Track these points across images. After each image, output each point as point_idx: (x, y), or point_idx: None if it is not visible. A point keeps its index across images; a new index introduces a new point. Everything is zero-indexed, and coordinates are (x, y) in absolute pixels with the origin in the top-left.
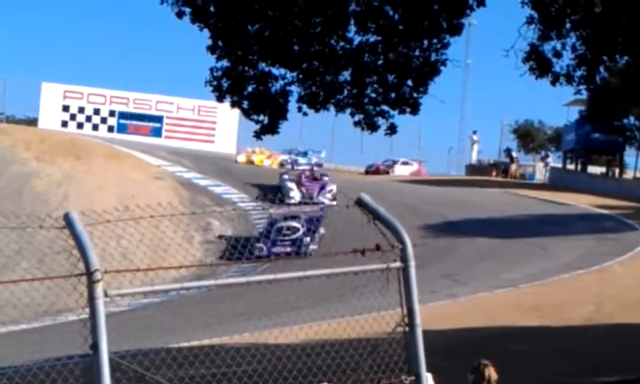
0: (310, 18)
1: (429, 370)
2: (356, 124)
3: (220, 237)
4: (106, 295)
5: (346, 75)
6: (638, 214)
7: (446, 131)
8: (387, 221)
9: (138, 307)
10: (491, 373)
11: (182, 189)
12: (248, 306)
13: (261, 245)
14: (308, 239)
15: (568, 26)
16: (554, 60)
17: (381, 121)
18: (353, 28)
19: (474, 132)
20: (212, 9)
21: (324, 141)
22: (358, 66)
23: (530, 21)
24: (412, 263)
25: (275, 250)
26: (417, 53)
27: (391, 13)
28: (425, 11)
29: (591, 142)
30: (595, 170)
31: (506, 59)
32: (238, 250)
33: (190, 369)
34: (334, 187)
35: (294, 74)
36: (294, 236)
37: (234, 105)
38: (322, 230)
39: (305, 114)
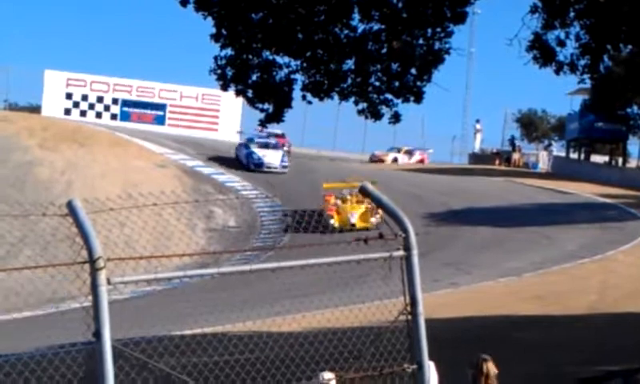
0: (314, 5)
1: (431, 358)
2: (360, 112)
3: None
4: (109, 283)
5: (349, 64)
6: None
7: (449, 120)
8: (390, 209)
9: (141, 295)
10: (490, 367)
11: (186, 177)
12: (250, 294)
13: None
14: None
15: (572, 15)
16: (558, 49)
17: (385, 109)
18: (357, 16)
19: (478, 121)
20: None
21: (327, 129)
22: (362, 54)
23: (533, 10)
24: (415, 252)
25: None
26: (421, 41)
27: (395, 1)
28: None
29: (594, 130)
30: (598, 158)
31: (509, 48)
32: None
33: (193, 357)
34: None
35: (298, 62)
36: None
37: (238, 93)
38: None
39: (309, 102)
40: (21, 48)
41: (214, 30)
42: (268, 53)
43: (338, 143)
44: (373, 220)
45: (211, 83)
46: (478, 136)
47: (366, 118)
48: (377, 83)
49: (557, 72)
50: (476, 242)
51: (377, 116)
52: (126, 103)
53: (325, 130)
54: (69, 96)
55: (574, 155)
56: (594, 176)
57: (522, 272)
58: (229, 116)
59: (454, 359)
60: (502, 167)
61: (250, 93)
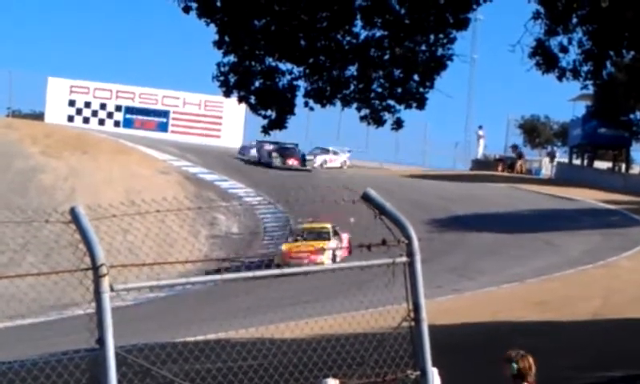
0: (317, 12)
1: (434, 364)
2: (362, 119)
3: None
4: (112, 289)
5: (352, 70)
6: None
7: (451, 126)
8: (393, 215)
9: (144, 302)
10: (532, 362)
11: (188, 183)
12: (253, 301)
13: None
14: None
15: (574, 21)
16: (561, 55)
17: (387, 115)
18: (359, 23)
19: (480, 127)
20: (218, 4)
21: (329, 136)
22: (365, 60)
23: (536, 16)
24: (418, 258)
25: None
26: (423, 47)
27: (397, 7)
28: (431, 6)
29: (597, 137)
30: (601, 165)
31: (512, 54)
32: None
33: (196, 363)
34: None
35: (301, 68)
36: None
37: (241, 100)
38: None
39: (311, 108)
40: (24, 55)
41: (216, 37)
42: (271, 59)
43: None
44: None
45: (214, 90)
46: (481, 142)
47: (369, 124)
48: (379, 89)
49: (559, 78)
50: (479, 248)
51: (379, 122)
52: (128, 110)
53: (327, 137)
54: (72, 103)
55: (577, 161)
56: (597, 182)
57: (525, 278)
58: (231, 123)
59: (457, 366)
60: (505, 173)
61: (252, 99)
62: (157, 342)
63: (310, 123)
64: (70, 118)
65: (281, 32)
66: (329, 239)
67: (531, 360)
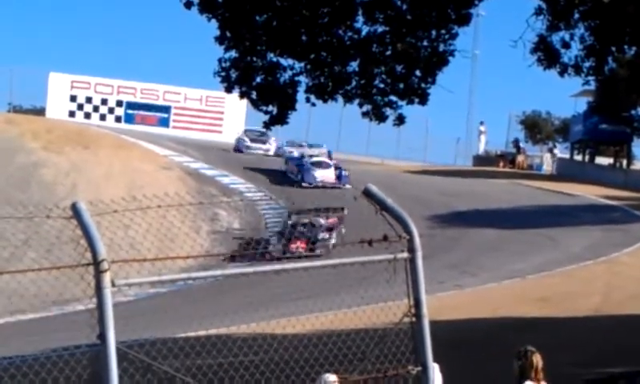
0: (318, 8)
1: (435, 360)
2: (364, 114)
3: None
4: (113, 285)
5: (354, 66)
6: None
7: (453, 122)
8: (394, 211)
9: (145, 297)
10: (538, 360)
11: (190, 179)
12: (255, 296)
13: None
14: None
15: (576, 16)
16: (563, 51)
17: (389, 111)
18: (361, 18)
19: (482, 123)
20: None
21: (331, 132)
22: (366, 56)
23: (538, 11)
24: (419, 254)
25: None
26: (425, 43)
27: (399, 3)
28: (433, 1)
29: (599, 132)
30: (603, 160)
31: (514, 50)
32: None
33: (197, 359)
34: None
35: (303, 64)
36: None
37: (242, 95)
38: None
39: (313, 104)
40: (25, 50)
41: (218, 32)
42: (272, 55)
43: (342, 145)
44: None
45: (215, 85)
46: (482, 138)
47: (371, 120)
48: (381, 85)
49: (561, 74)
50: (480, 243)
51: (381, 118)
52: (130, 105)
53: (329, 132)
54: (73, 98)
55: (578, 157)
56: (599, 178)
57: (526, 274)
58: (233, 118)
59: (458, 361)
60: (507, 169)
61: (254, 95)
62: (158, 337)
63: (311, 119)
64: (72, 114)
65: (282, 27)
66: None
67: (539, 357)
